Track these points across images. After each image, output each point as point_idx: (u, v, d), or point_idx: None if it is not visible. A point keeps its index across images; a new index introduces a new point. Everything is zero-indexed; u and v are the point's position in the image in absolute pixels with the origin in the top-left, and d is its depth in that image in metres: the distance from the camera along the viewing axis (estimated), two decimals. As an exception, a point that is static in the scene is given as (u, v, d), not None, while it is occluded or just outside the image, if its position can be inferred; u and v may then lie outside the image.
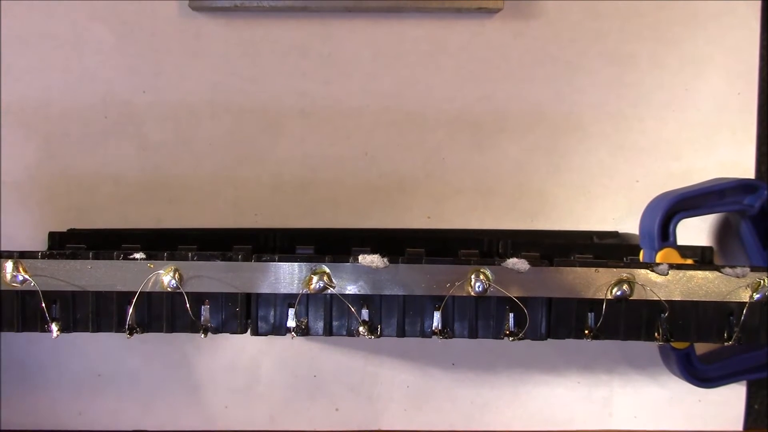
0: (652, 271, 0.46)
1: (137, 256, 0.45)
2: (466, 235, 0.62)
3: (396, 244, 0.55)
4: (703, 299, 0.47)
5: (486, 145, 0.62)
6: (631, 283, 0.46)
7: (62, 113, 0.61)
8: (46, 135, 0.61)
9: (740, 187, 0.57)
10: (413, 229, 0.63)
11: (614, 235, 0.63)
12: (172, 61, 0.61)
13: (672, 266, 0.47)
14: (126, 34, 0.60)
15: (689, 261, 0.55)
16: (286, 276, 0.46)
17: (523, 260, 0.45)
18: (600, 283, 0.46)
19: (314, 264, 0.45)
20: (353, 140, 0.62)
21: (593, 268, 0.46)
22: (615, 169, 0.63)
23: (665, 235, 0.55)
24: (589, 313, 0.47)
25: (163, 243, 0.56)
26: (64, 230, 0.59)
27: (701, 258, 0.58)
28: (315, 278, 0.45)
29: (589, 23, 0.62)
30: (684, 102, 0.63)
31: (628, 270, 0.46)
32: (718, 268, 0.47)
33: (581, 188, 0.63)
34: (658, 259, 0.54)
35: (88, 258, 0.45)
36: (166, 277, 0.44)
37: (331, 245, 0.56)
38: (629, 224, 0.63)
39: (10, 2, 0.60)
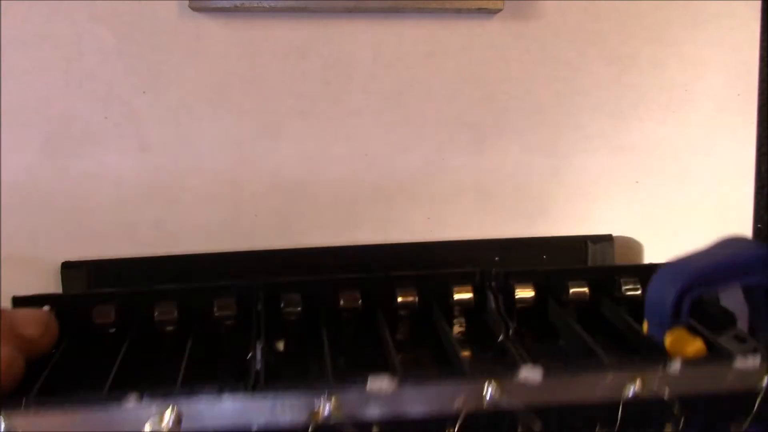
0: (665, 371, 0.46)
1: (130, 404, 0.41)
2: (457, 249, 0.63)
3: (386, 259, 0.56)
4: (714, 390, 0.46)
5: (486, 146, 0.62)
6: (643, 382, 0.45)
7: (62, 113, 0.61)
8: (46, 135, 0.61)
9: (765, 262, 0.51)
10: (401, 243, 0.63)
11: (608, 238, 0.63)
12: (172, 62, 0.61)
13: (684, 363, 0.46)
14: (126, 34, 0.60)
15: (698, 340, 0.51)
16: (288, 409, 0.42)
17: (536, 369, 0.44)
18: (613, 385, 0.45)
19: (321, 392, 0.42)
20: (353, 141, 0.62)
21: (607, 373, 0.45)
22: (615, 170, 0.63)
23: (677, 313, 0.50)
24: (602, 416, 0.46)
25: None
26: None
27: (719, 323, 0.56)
28: (323, 409, 0.43)
29: (589, 24, 0.62)
30: (684, 103, 0.63)
31: (642, 373, 0.45)
32: (730, 358, 0.46)
33: (581, 189, 0.63)
34: (667, 340, 0.52)
35: (77, 405, 0.40)
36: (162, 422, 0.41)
37: (321, 294, 0.55)
38: (629, 225, 0.63)
39: (10, 3, 0.60)
